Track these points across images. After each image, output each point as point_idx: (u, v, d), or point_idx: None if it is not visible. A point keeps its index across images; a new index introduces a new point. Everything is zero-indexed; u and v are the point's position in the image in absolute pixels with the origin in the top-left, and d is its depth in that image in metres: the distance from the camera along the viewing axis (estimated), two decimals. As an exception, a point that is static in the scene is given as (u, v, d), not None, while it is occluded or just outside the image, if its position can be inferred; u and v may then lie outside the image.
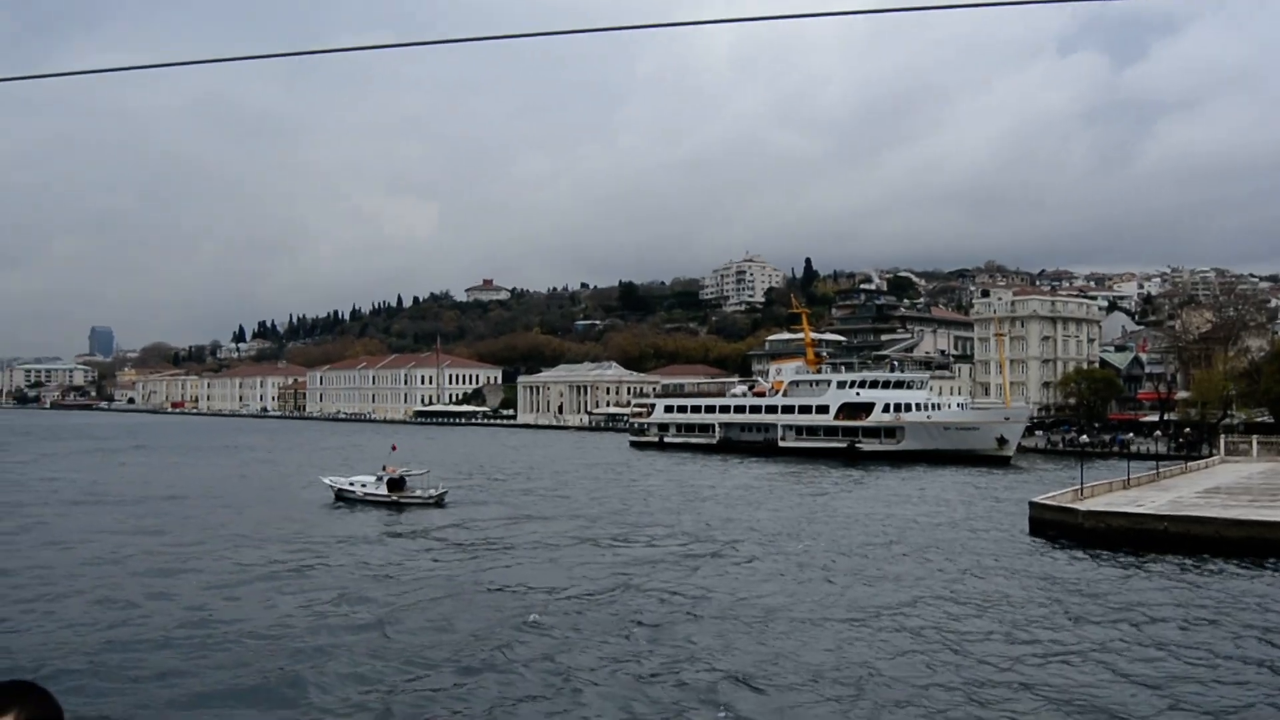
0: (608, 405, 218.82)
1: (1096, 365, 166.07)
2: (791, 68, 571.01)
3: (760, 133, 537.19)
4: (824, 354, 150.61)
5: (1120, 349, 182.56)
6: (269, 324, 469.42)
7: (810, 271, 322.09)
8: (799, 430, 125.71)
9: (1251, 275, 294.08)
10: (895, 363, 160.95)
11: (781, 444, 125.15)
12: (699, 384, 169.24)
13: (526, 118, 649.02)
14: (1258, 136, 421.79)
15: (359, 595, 37.25)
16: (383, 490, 66.51)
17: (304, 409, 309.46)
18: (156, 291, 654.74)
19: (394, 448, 79.65)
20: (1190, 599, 36.24)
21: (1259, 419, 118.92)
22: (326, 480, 71.59)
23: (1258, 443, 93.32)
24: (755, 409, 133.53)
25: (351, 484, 68.62)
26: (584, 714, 24.02)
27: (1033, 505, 54.70)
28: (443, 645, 30.02)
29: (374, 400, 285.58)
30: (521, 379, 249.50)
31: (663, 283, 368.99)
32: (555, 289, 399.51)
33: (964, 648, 29.69)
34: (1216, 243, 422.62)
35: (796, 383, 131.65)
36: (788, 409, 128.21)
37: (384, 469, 69.42)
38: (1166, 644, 30.03)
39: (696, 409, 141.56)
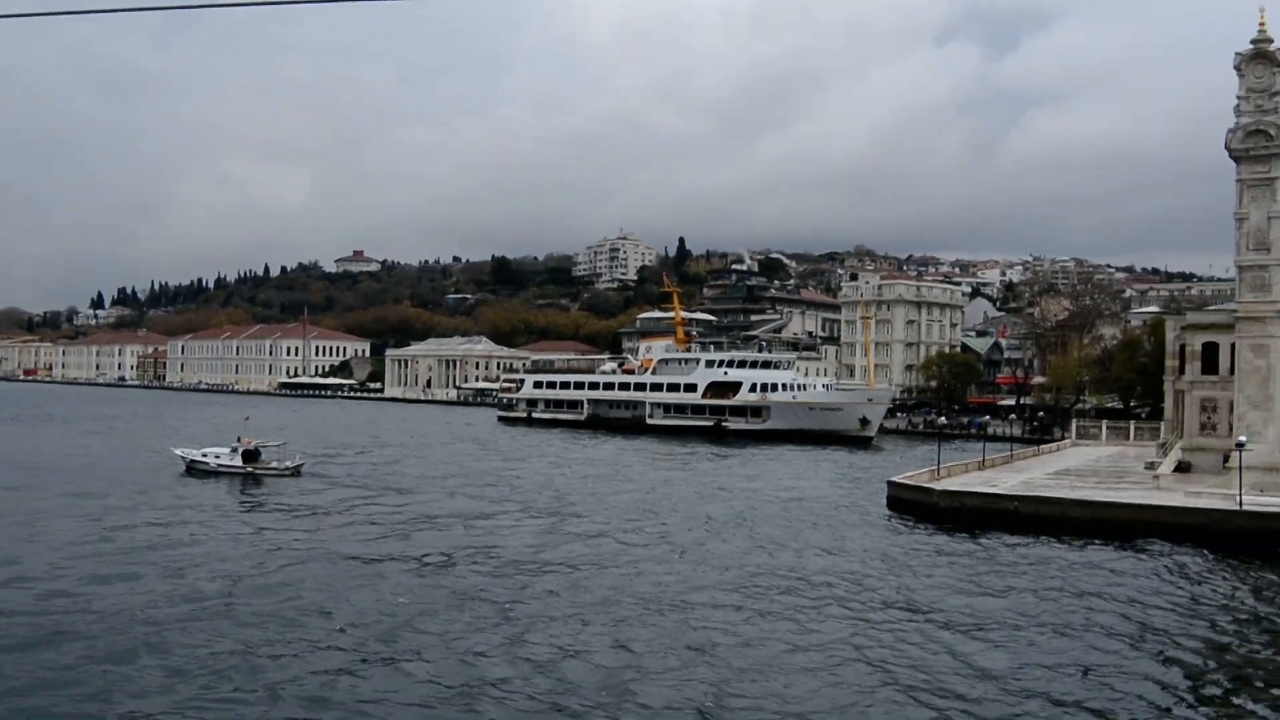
0: (477, 380, 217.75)
1: (958, 349, 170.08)
2: (673, 46, 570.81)
3: (640, 110, 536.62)
4: (694, 333, 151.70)
5: (981, 334, 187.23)
6: (130, 291, 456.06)
7: (683, 251, 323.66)
8: (667, 408, 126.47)
9: (1108, 266, 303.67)
10: (763, 343, 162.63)
11: (650, 421, 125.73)
12: (569, 360, 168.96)
13: (408, 86, 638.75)
14: (1120, 133, 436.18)
15: (206, 567, 36.14)
16: (237, 461, 64.79)
17: (164, 379, 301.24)
18: (9, 253, 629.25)
19: (248, 419, 77.77)
20: (1026, 576, 37.18)
21: (1110, 404, 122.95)
22: (178, 451, 69.45)
23: (1107, 427, 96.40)
24: (624, 386, 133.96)
25: (205, 455, 66.68)
26: (416, 690, 23.53)
27: (891, 484, 55.67)
28: (288, 619, 29.24)
29: (237, 371, 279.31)
30: (390, 352, 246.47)
31: (536, 258, 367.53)
32: (427, 261, 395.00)
33: (810, 622, 30.02)
34: (1077, 234, 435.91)
35: (666, 361, 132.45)
36: (656, 387, 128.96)
37: (239, 440, 67.66)
38: (998, 620, 30.75)
39: (566, 385, 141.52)
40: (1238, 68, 51.47)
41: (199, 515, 48.62)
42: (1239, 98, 51.27)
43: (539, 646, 26.77)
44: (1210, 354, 64.62)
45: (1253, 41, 51.19)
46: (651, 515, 51.57)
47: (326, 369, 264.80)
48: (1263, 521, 43.01)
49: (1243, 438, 48.49)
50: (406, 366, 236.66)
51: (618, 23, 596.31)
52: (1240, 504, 44.52)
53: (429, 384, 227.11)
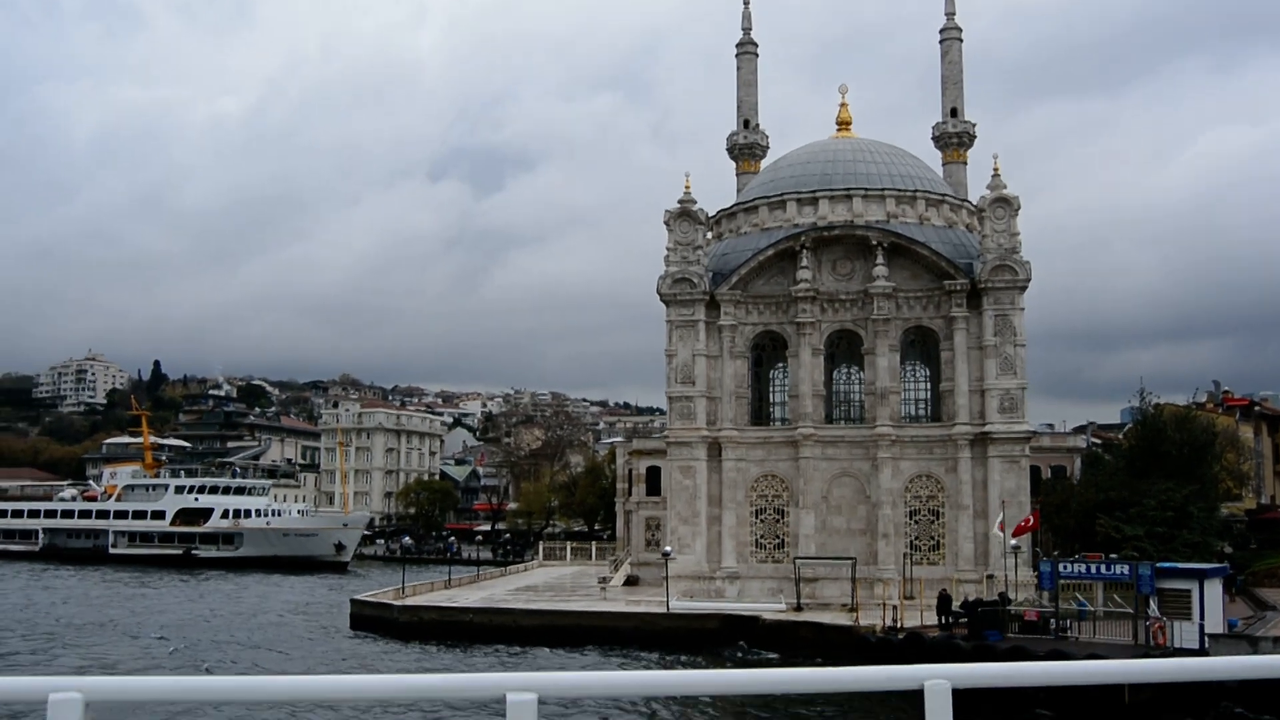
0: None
1: (438, 477, 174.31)
2: (155, 158, 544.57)
3: (115, 224, 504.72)
4: (164, 459, 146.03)
5: (460, 462, 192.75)
6: None
7: (159, 374, 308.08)
8: (133, 536, 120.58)
9: (584, 400, 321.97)
10: (238, 469, 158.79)
11: (113, 550, 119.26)
12: (23, 487, 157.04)
13: None
14: (593, 274, 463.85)
15: None
16: None
17: None
18: None
19: None
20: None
21: (576, 528, 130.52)
22: None
23: (571, 548, 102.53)
24: (85, 514, 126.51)
25: None
26: None
27: (353, 602, 57.31)
28: None
29: None
30: None
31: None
32: None
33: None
34: (555, 368, 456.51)
35: (132, 487, 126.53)
36: (121, 514, 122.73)
37: None
38: None
39: (19, 514, 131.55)
40: (667, 223, 58.74)
41: None
42: (668, 249, 58.41)
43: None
44: (653, 477, 71.64)
45: (679, 201, 58.68)
46: (108, 648, 49.70)
47: None
48: (685, 621, 49.26)
49: (669, 549, 54.54)
50: None
51: (99, 130, 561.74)
52: (669, 608, 50.24)
53: None
